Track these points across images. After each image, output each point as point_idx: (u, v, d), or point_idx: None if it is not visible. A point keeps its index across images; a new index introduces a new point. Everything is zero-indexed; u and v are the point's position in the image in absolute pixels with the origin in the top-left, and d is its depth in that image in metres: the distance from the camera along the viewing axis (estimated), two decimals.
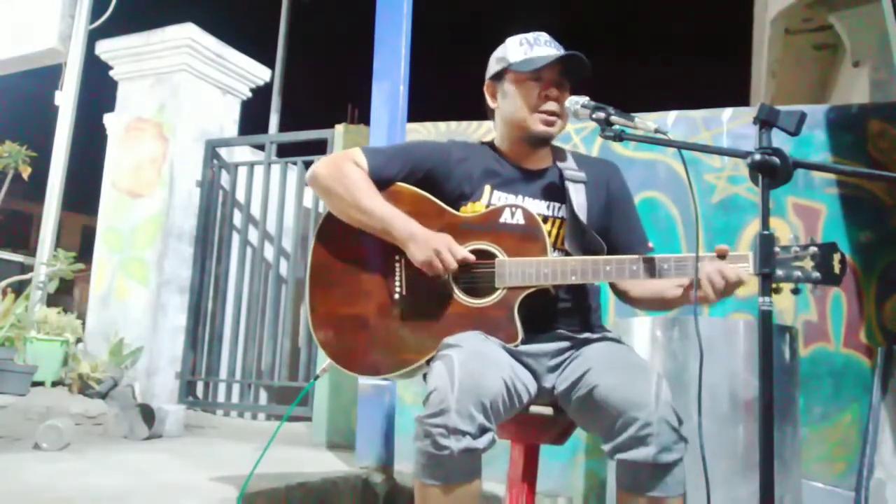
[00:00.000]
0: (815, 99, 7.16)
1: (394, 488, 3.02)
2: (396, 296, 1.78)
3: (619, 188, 1.94)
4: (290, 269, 4.41)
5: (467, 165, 1.85)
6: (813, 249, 1.53)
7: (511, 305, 1.70)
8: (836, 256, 1.52)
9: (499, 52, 1.89)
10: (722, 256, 1.62)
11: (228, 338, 4.44)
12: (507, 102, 1.85)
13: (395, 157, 1.85)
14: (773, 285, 1.48)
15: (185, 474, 2.67)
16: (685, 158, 1.60)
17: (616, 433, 1.50)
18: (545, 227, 1.76)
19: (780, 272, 1.52)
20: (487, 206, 1.80)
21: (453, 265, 1.69)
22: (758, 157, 1.42)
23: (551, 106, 1.80)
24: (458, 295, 1.74)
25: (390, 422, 3.12)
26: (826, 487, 2.95)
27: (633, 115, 1.62)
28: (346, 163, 1.81)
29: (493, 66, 1.90)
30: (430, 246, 1.69)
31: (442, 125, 3.77)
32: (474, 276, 1.73)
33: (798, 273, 1.52)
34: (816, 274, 1.52)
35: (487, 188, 1.83)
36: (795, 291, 1.55)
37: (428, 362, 1.69)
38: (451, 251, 1.69)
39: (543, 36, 1.85)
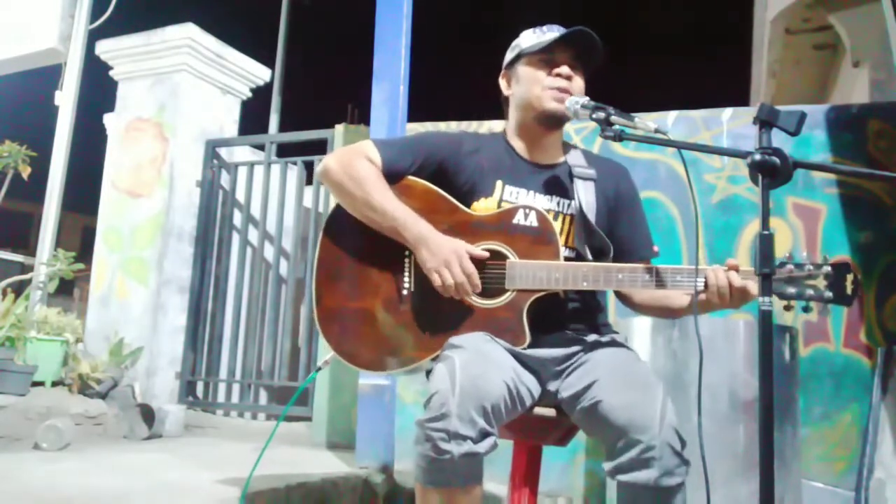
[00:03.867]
0: (815, 99, 7.16)
1: (394, 488, 3.01)
2: (405, 292, 1.76)
3: (627, 190, 1.93)
4: (290, 269, 4.41)
5: (478, 157, 1.85)
6: (826, 269, 1.54)
7: (520, 308, 1.69)
8: (850, 277, 1.53)
9: (514, 43, 1.91)
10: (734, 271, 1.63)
11: (228, 338, 4.44)
12: (520, 86, 1.86)
13: (407, 149, 1.84)
14: (785, 303, 1.49)
15: (185, 474, 2.67)
16: (685, 158, 1.60)
17: (618, 453, 1.50)
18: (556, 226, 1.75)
19: (792, 290, 1.53)
20: (499, 203, 1.79)
21: (460, 279, 1.65)
22: (758, 157, 1.42)
23: (562, 83, 1.79)
24: None
25: (390, 422, 3.11)
26: (826, 487, 2.95)
27: (633, 115, 1.62)
28: (357, 158, 1.79)
29: (507, 56, 1.92)
30: (440, 256, 1.67)
31: (442, 125, 3.76)
32: (485, 276, 1.72)
33: (810, 291, 1.53)
34: (829, 294, 1.53)
35: (499, 183, 1.82)
36: (806, 310, 1.55)
37: (433, 360, 1.67)
38: (461, 265, 1.66)
39: (556, 25, 1.86)
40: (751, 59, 8.56)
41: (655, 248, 1.90)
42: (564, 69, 1.80)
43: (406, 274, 1.77)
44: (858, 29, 5.48)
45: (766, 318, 1.38)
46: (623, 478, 1.49)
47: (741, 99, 9.38)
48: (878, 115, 3.25)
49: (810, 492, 2.83)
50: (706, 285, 1.62)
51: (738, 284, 1.59)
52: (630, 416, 1.49)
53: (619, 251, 1.82)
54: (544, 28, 1.86)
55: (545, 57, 1.81)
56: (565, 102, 1.75)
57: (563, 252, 1.75)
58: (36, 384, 3.63)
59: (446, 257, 1.66)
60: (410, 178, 1.81)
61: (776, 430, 1.38)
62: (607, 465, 1.52)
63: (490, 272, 1.72)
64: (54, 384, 3.74)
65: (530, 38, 1.86)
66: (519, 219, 1.74)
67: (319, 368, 2.07)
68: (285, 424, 4.02)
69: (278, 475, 2.61)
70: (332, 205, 1.90)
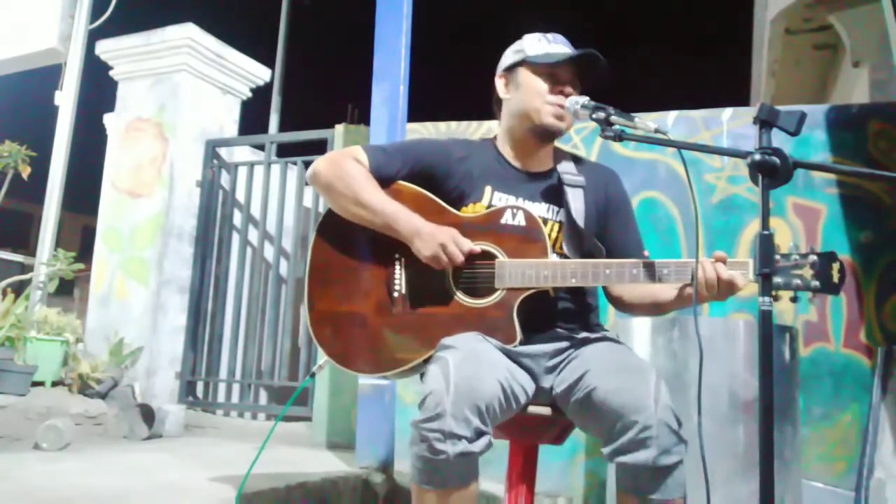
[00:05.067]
0: (815, 99, 7.15)
1: (394, 488, 3.02)
2: (395, 294, 1.77)
3: (617, 194, 1.93)
4: (290, 269, 4.41)
5: (468, 164, 1.85)
6: (812, 258, 1.53)
7: (510, 306, 1.70)
8: (836, 266, 1.52)
9: (516, 46, 1.89)
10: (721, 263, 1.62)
11: (228, 338, 4.44)
12: (520, 93, 1.84)
13: (396, 154, 1.85)
14: (773, 293, 1.48)
15: (185, 474, 2.67)
16: (685, 158, 1.60)
17: (615, 436, 1.50)
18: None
19: (779, 280, 1.52)
20: (488, 207, 1.80)
21: (460, 258, 1.68)
22: (758, 157, 1.42)
23: (563, 100, 1.78)
24: (458, 295, 1.74)
25: (390, 422, 3.12)
26: (826, 487, 2.95)
27: (633, 115, 1.62)
28: (346, 160, 1.81)
29: (509, 58, 1.89)
30: (435, 240, 1.69)
31: (442, 125, 3.77)
32: (474, 276, 1.73)
33: (797, 281, 1.53)
34: (816, 282, 1.52)
35: (488, 189, 1.83)
36: (794, 300, 1.55)
37: (426, 362, 1.68)
38: (456, 244, 1.69)
39: (561, 37, 1.86)
40: (751, 59, 8.56)
41: (646, 253, 1.89)
42: (568, 88, 1.79)
43: (397, 276, 1.78)
44: (858, 29, 5.48)
45: (766, 318, 1.38)
46: (622, 459, 1.50)
47: (741, 99, 9.38)
48: (878, 115, 3.25)
49: (810, 492, 2.83)
50: (694, 278, 1.63)
51: (725, 276, 1.60)
52: (624, 399, 1.50)
53: (611, 256, 1.82)
54: (549, 37, 1.85)
55: (551, 70, 1.80)
56: (565, 103, 1.75)
57: (553, 257, 1.75)
58: (36, 384, 3.63)
59: (441, 240, 1.68)
60: (399, 182, 1.83)
61: (776, 430, 1.38)
62: (605, 449, 1.53)
63: (480, 272, 1.73)
64: (54, 384, 3.74)
65: (536, 47, 1.84)
66: (507, 219, 1.75)
67: (313, 374, 2.08)
68: (285, 424, 4.02)
69: (278, 475, 2.61)
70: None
